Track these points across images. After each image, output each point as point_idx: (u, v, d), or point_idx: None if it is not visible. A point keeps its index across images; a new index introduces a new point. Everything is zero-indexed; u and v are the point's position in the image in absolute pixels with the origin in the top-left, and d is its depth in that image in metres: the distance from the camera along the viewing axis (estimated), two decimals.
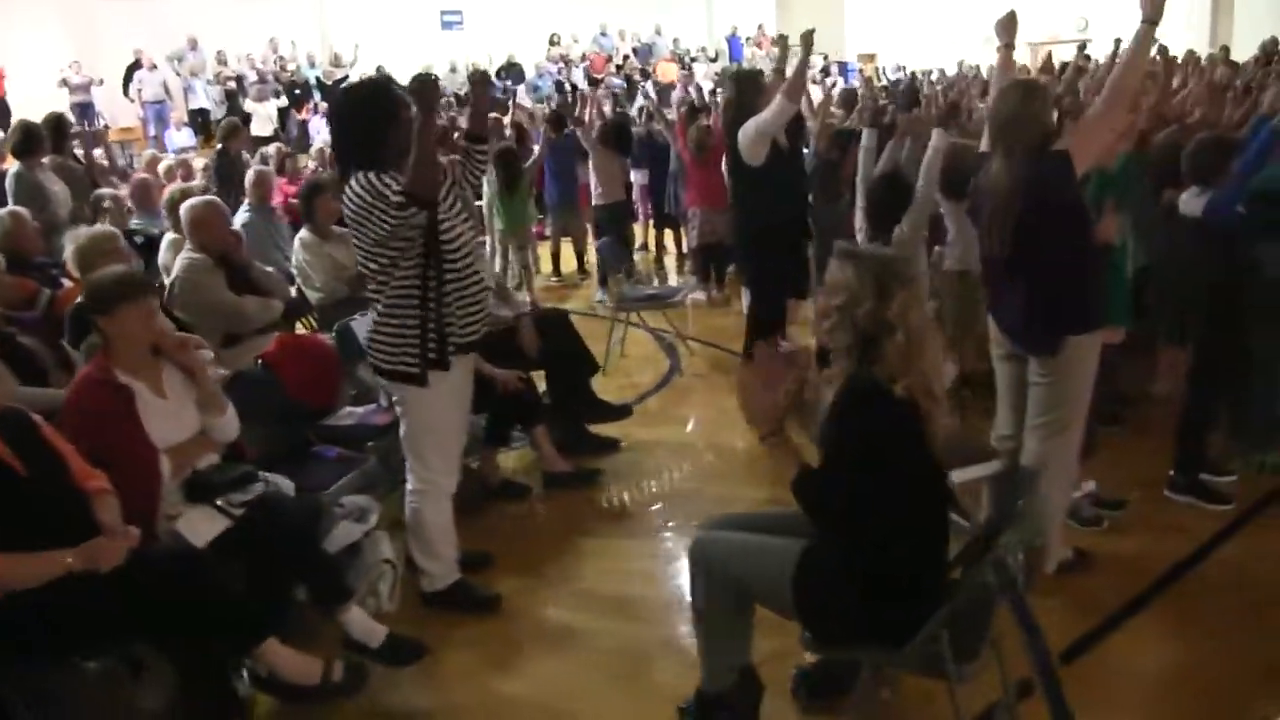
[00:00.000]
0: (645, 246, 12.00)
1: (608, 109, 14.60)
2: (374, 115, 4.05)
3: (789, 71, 6.69)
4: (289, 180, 12.99)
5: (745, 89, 6.68)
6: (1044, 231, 4.07)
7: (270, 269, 6.40)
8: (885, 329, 2.93)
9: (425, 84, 3.89)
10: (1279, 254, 5.18)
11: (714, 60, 28.75)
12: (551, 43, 26.30)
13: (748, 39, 29.60)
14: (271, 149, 13.49)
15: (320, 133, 19.37)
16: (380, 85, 4.54)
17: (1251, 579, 4.51)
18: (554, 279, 11.81)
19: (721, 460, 6.28)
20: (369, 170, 4.02)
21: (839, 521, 3.04)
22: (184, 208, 6.04)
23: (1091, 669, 3.90)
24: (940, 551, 3.06)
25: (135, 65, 20.14)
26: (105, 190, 8.47)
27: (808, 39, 6.93)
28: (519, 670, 4.14)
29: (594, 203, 10.68)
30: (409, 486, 4.51)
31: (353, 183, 4.06)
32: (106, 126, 19.70)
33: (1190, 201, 5.05)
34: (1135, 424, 6.04)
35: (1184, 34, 24.49)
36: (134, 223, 8.51)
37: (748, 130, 6.50)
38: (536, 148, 11.72)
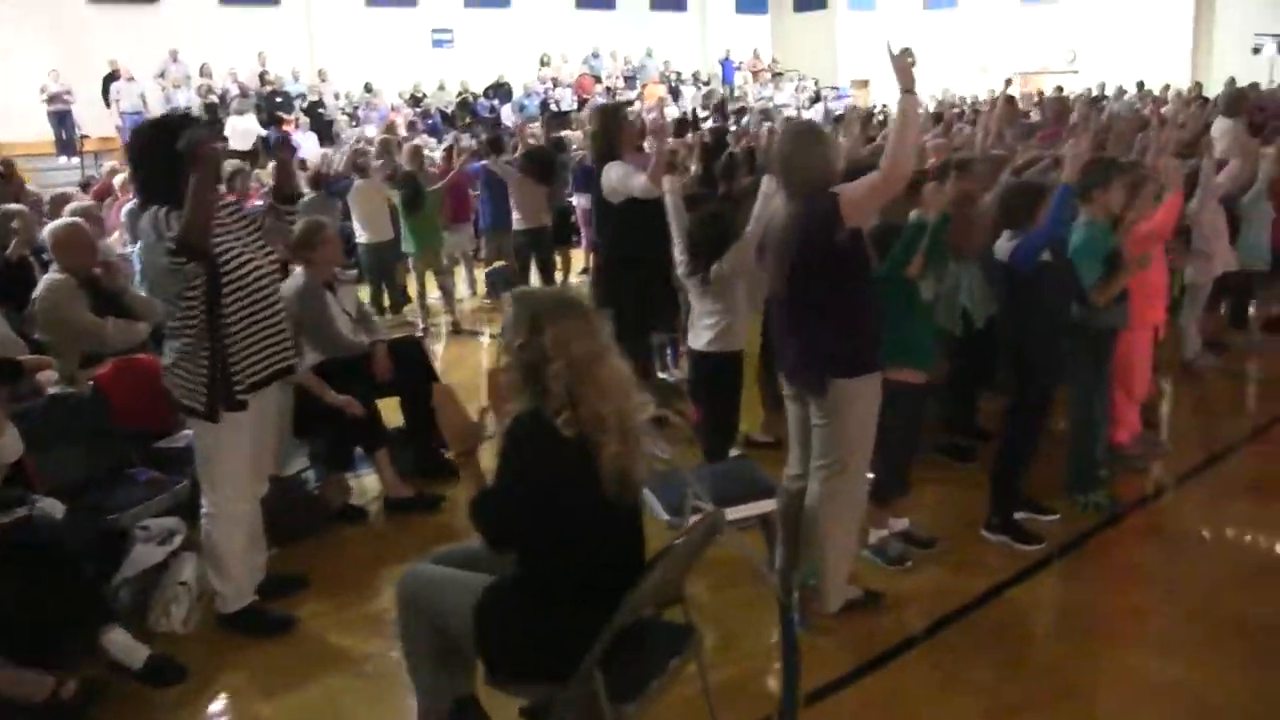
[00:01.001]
0: (566, 274, 12.13)
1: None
2: (167, 153, 3.99)
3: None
4: (239, 197, 13.09)
5: (609, 124, 6.72)
6: (813, 273, 4.10)
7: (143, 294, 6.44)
8: (542, 361, 2.96)
9: (192, 141, 3.87)
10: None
11: (706, 84, 28.83)
12: (542, 63, 26.43)
13: (740, 64, 29.67)
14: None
15: (303, 148, 19.53)
16: (175, 124, 4.52)
17: (1029, 622, 4.52)
18: (487, 301, 11.87)
19: None
20: (163, 206, 4.08)
21: (509, 548, 3.11)
22: (48, 229, 6.13)
23: (850, 709, 3.91)
24: (616, 587, 3.07)
25: (113, 76, 20.31)
26: (13, 206, 8.55)
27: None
28: (280, 694, 4.17)
29: (514, 228, 10.76)
30: (203, 511, 4.57)
31: (146, 215, 4.12)
32: (85, 136, 19.93)
33: (1002, 246, 5.06)
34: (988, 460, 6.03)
35: (1165, 70, 24.49)
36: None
37: (611, 176, 6.54)
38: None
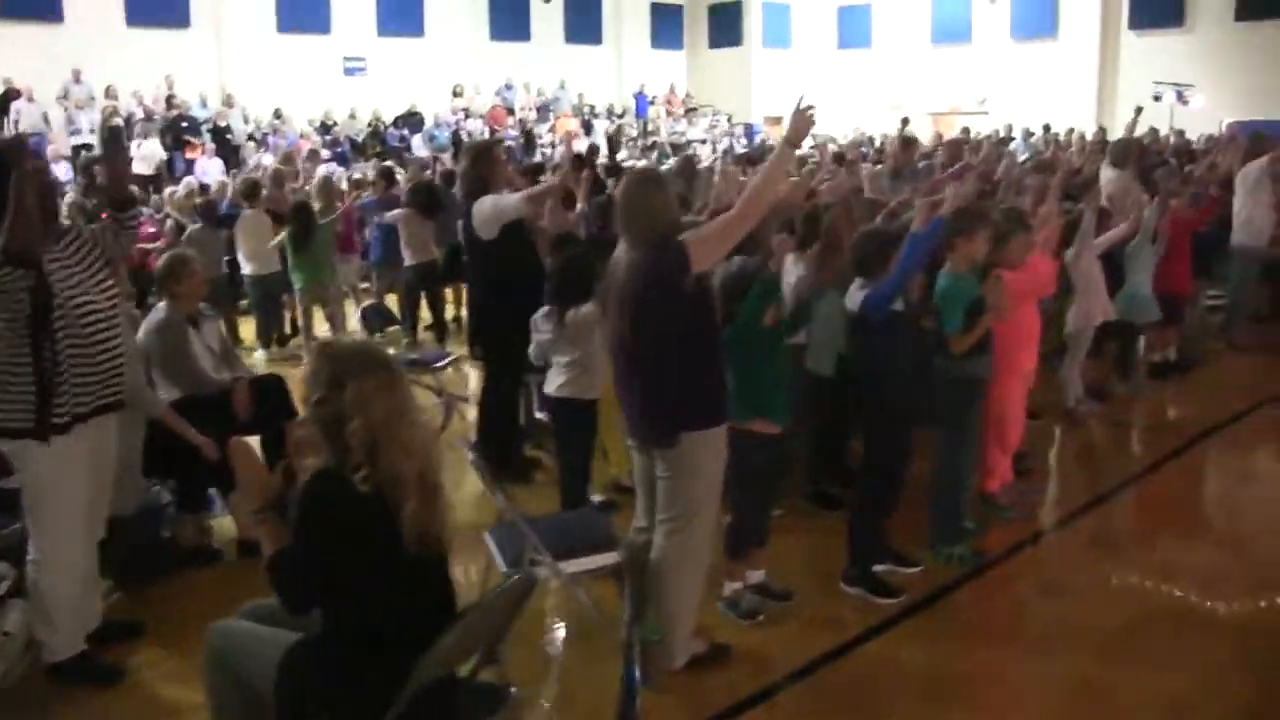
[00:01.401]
0: (458, 309, 12.00)
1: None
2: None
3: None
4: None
5: (479, 161, 6.64)
6: (660, 322, 4.03)
7: None
8: (342, 418, 2.87)
9: (10, 148, 3.79)
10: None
11: (620, 117, 28.89)
12: (455, 94, 26.27)
13: (654, 98, 29.79)
14: None
15: (208, 174, 19.16)
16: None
17: (881, 679, 4.45)
18: (379, 336, 11.65)
19: None
20: None
21: (305, 610, 3.02)
22: None
23: None
24: (421, 646, 2.95)
25: (12, 94, 19.76)
26: None
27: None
28: None
29: (405, 263, 10.62)
30: (29, 555, 4.36)
31: None
32: None
33: (853, 295, 5.04)
34: None
35: (1071, 114, 25.02)
36: None
37: (484, 206, 6.45)
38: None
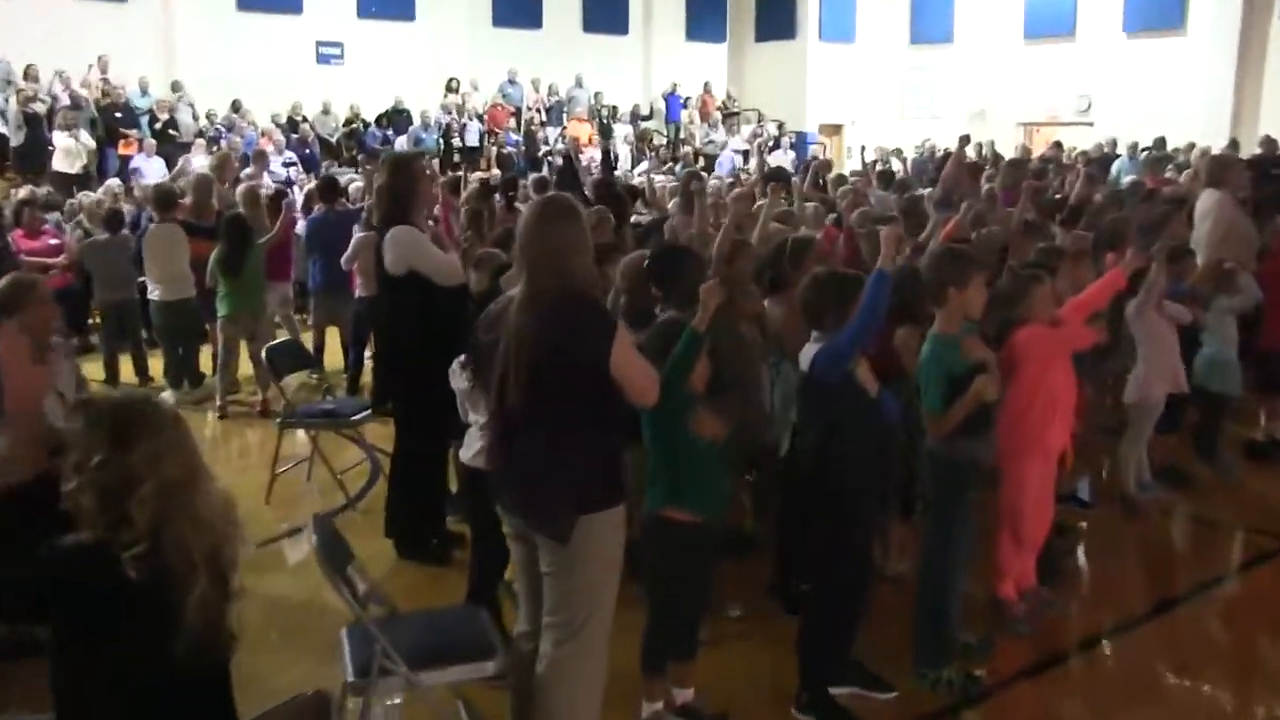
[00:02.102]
0: None
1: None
2: None
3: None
4: (26, 234, 12.82)
5: (400, 179, 6.53)
6: (561, 392, 3.97)
7: None
8: (130, 482, 2.86)
9: None
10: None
11: (647, 119, 28.87)
12: (449, 89, 26.38)
13: (687, 100, 29.82)
14: None
15: (146, 175, 19.26)
16: None
17: None
18: (313, 375, 11.60)
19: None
20: None
21: None
22: None
23: None
24: None
25: None
26: None
27: None
28: None
29: (357, 294, 10.56)
30: None
31: None
32: None
33: (806, 352, 4.91)
34: None
35: (1197, 123, 24.62)
36: None
37: (397, 241, 6.36)
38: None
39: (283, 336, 11.75)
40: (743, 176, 19.83)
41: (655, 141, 27.98)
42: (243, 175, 16.05)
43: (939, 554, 5.29)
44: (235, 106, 23.28)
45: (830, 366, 4.75)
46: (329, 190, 11.53)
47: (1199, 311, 8.08)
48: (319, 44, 25.73)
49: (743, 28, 32.95)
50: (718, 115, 29.35)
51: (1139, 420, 7.82)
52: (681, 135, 28.72)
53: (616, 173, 21.55)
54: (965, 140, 12.04)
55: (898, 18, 32.82)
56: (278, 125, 23.48)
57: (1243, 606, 6.61)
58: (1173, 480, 8.26)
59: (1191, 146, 21.10)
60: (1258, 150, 19.66)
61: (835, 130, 32.01)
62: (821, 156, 27.12)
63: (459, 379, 5.46)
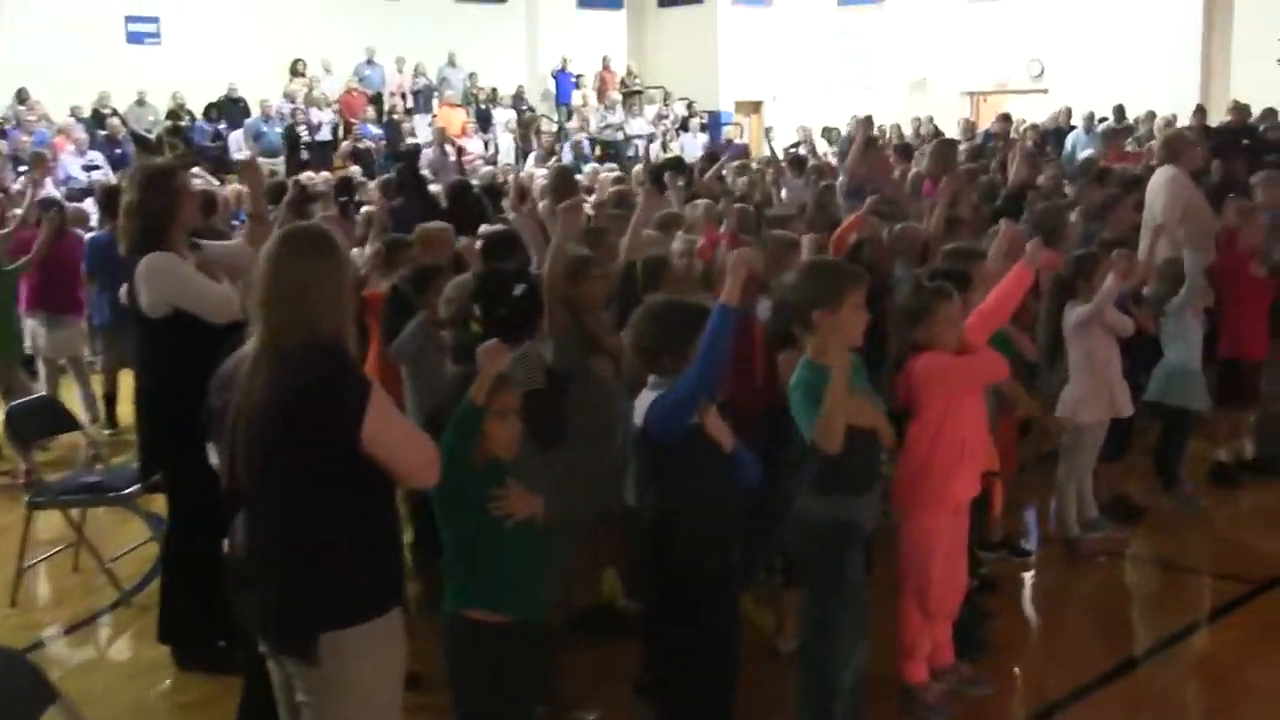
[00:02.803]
0: None
1: None
2: None
3: None
4: None
5: (155, 194, 6.13)
6: (297, 466, 3.71)
7: None
8: None
9: None
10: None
11: (522, 107, 28.46)
12: (294, 72, 25.95)
13: (580, 78, 29.56)
14: None
15: None
16: None
17: None
18: (107, 432, 11.12)
19: None
20: None
21: None
22: None
23: None
24: None
25: None
26: None
27: None
28: None
29: None
30: None
31: None
32: None
33: (641, 399, 4.75)
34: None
35: (1162, 89, 24.73)
36: None
37: (153, 268, 6.00)
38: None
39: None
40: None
41: (544, 128, 27.73)
42: (13, 185, 15.51)
43: (816, 631, 5.14)
44: (20, 96, 22.70)
45: (668, 420, 4.56)
46: (113, 202, 11.05)
47: (1145, 317, 7.91)
48: (129, 20, 25.22)
49: None
50: (615, 96, 29.05)
51: (1075, 447, 7.70)
52: (573, 120, 28.43)
53: (495, 167, 21.33)
54: (868, 122, 11.83)
55: None
56: (79, 119, 22.83)
57: (1211, 665, 6.48)
58: (1124, 515, 8.14)
59: (1152, 116, 21.15)
60: (1227, 118, 19.69)
61: (754, 108, 31.99)
62: (736, 140, 27.14)
63: (213, 451, 5.11)
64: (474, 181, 17.78)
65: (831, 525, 5.07)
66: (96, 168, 20.76)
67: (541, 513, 4.36)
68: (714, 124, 29.59)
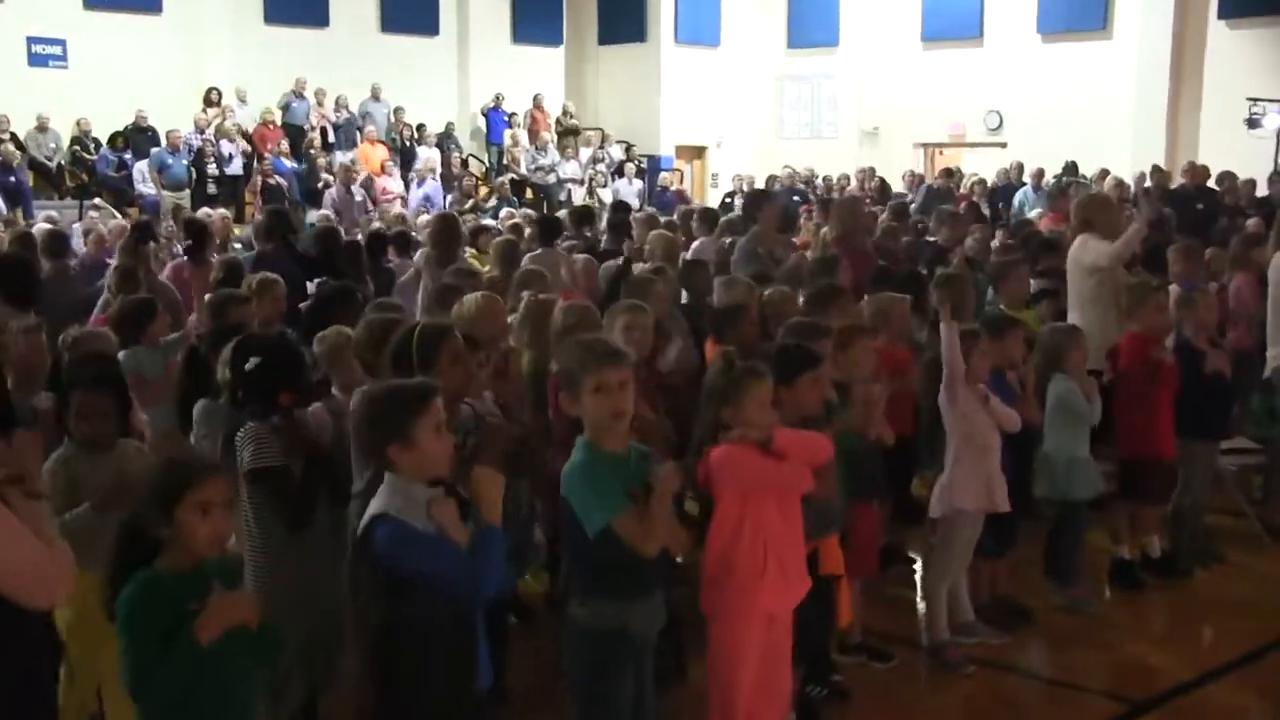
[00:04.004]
0: None
1: None
2: None
3: None
4: None
5: None
6: None
7: None
8: None
9: None
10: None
11: (450, 144, 27.96)
12: (208, 101, 25.50)
13: (512, 115, 29.19)
14: None
15: None
16: None
17: None
18: None
19: None
20: None
21: None
22: None
23: None
24: None
25: None
26: None
27: None
28: None
29: None
30: None
31: None
32: None
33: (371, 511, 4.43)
34: None
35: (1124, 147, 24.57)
36: None
37: None
38: None
39: None
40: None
41: (472, 168, 27.31)
42: None
43: None
44: None
45: (400, 559, 4.28)
46: None
47: (1032, 407, 7.51)
48: (32, 40, 24.77)
49: (583, 28, 32.67)
50: (547, 136, 28.62)
51: (948, 542, 7.33)
52: (505, 160, 28.03)
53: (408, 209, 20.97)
54: (764, 189, 11.50)
55: (772, 16, 32.76)
56: None
57: None
58: (1004, 619, 7.72)
59: (1105, 174, 20.86)
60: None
61: (697, 154, 31.65)
62: (674, 187, 26.83)
63: None
64: (376, 224, 17.52)
65: (599, 635, 4.78)
66: None
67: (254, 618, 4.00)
68: (653, 169, 29.21)
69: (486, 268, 10.70)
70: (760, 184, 26.69)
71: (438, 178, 25.32)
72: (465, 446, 5.38)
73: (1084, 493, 7.89)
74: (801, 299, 8.37)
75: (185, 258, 11.86)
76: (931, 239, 12.79)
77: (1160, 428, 8.21)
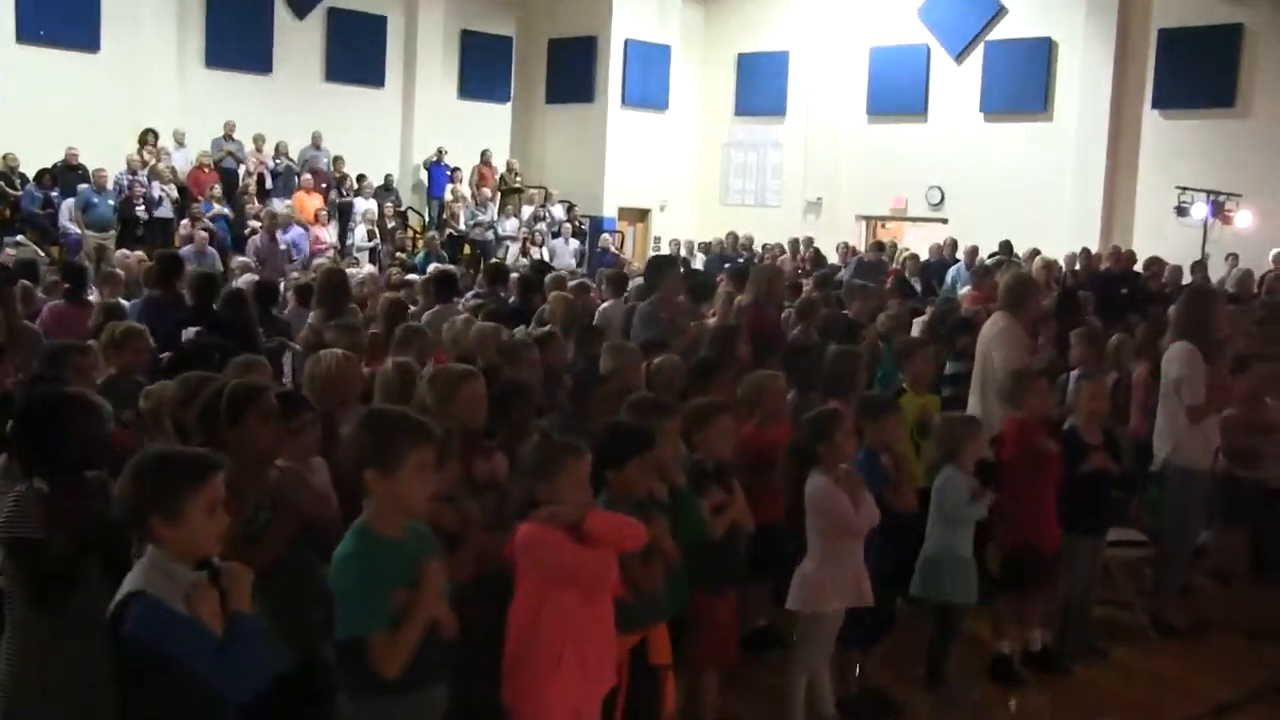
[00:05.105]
0: None
1: None
2: None
3: None
4: None
5: None
6: None
7: None
8: None
9: None
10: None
11: (387, 194, 27.67)
12: (143, 141, 25.09)
13: (455, 170, 28.92)
14: None
15: None
16: None
17: None
18: None
19: None
20: None
21: None
22: None
23: None
24: None
25: None
26: None
27: None
28: None
29: None
30: None
31: None
32: None
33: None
34: None
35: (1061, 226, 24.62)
36: None
37: None
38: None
39: None
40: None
41: (409, 222, 26.99)
42: None
43: None
44: None
45: (157, 640, 3.95)
46: None
47: (906, 493, 7.24)
48: None
49: (531, 86, 32.48)
50: (486, 193, 28.37)
51: (806, 638, 7.02)
52: (444, 214, 27.73)
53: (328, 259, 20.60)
54: (669, 255, 11.30)
55: (720, 83, 32.73)
56: None
57: None
58: (870, 713, 7.44)
59: (1035, 254, 20.69)
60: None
61: (640, 216, 31.44)
62: (611, 249, 26.62)
63: None
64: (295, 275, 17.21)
65: None
66: None
67: None
68: (594, 230, 28.97)
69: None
70: (698, 248, 26.81)
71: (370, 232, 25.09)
72: (256, 522, 5.06)
73: (961, 597, 7.60)
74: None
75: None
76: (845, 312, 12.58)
77: (1043, 518, 7.97)
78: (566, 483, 5.01)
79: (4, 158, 23.39)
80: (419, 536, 4.60)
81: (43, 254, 20.64)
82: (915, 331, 11.94)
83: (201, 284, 10.68)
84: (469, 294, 13.86)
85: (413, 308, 11.69)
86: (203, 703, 3.98)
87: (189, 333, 9.52)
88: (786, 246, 25.18)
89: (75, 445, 4.99)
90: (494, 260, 20.65)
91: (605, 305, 12.62)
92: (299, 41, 28.49)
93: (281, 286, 13.75)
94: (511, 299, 13.16)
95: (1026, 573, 7.99)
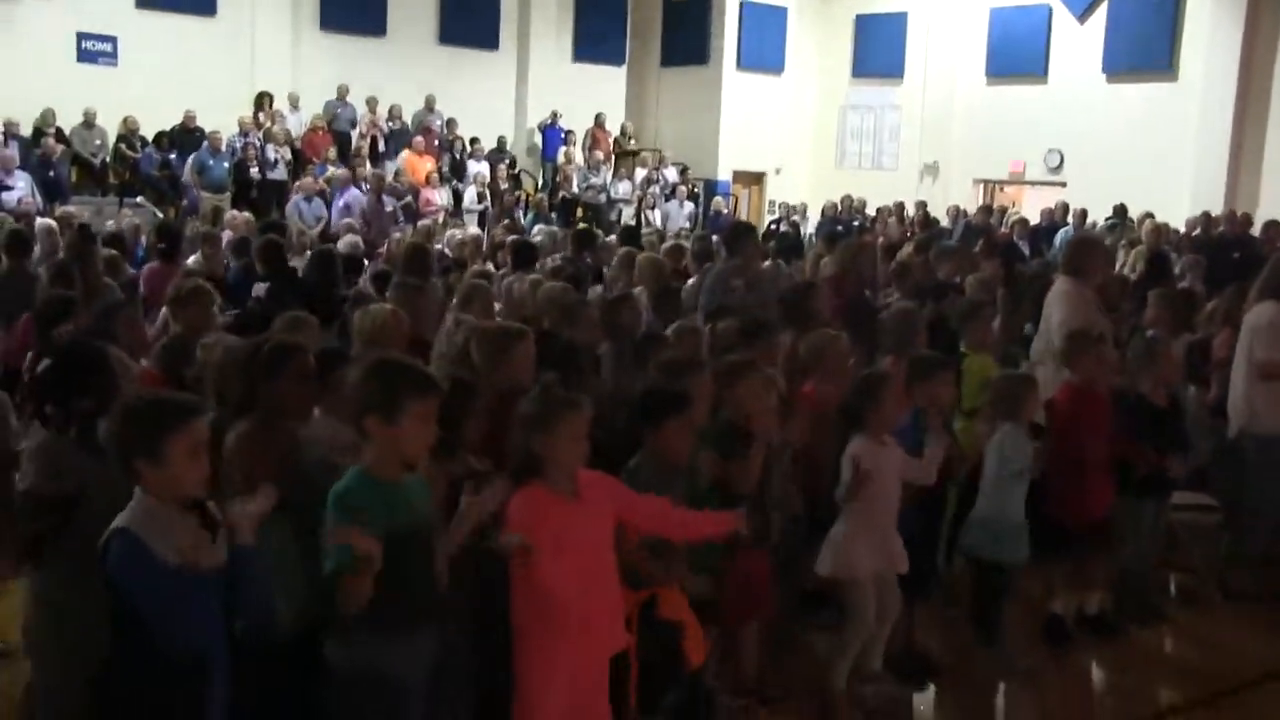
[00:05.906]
0: None
1: None
2: None
3: None
4: None
5: None
6: None
7: None
8: None
9: None
10: None
11: (500, 156, 27.76)
12: (259, 105, 25.41)
13: (569, 133, 28.97)
14: None
15: None
16: None
17: None
18: None
19: None
20: None
21: None
22: None
23: None
24: None
25: None
26: None
27: None
28: None
29: None
30: None
31: None
32: None
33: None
34: None
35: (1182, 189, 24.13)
36: None
37: None
38: None
39: None
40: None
41: (522, 185, 27.11)
42: None
43: None
44: None
45: (136, 579, 4.08)
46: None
47: (956, 453, 7.18)
48: (82, 36, 24.62)
49: (645, 48, 32.39)
50: (599, 156, 28.33)
51: (850, 613, 6.90)
52: (557, 178, 27.78)
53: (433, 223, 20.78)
54: (747, 223, 11.29)
55: (837, 45, 32.36)
56: (11, 135, 22.12)
57: None
58: (910, 671, 7.41)
59: (1148, 217, 20.32)
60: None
61: (755, 180, 31.33)
62: (725, 212, 26.52)
63: None
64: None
65: (360, 681, 4.53)
66: (8, 189, 20.05)
67: None
68: (708, 193, 28.89)
69: None
70: (814, 212, 26.63)
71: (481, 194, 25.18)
72: None
73: (1012, 556, 7.51)
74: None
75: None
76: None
77: (1089, 485, 7.82)
78: (564, 435, 5.01)
79: (124, 121, 23.80)
80: (419, 482, 4.68)
81: (159, 214, 21.03)
82: None
83: (324, 258, 10.84)
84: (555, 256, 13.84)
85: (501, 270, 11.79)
86: (174, 659, 4.10)
87: (259, 288, 9.69)
88: (894, 210, 24.98)
89: (90, 398, 5.13)
90: (581, 226, 20.61)
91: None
92: (413, 4, 28.55)
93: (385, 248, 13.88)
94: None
95: (1077, 537, 7.90)
